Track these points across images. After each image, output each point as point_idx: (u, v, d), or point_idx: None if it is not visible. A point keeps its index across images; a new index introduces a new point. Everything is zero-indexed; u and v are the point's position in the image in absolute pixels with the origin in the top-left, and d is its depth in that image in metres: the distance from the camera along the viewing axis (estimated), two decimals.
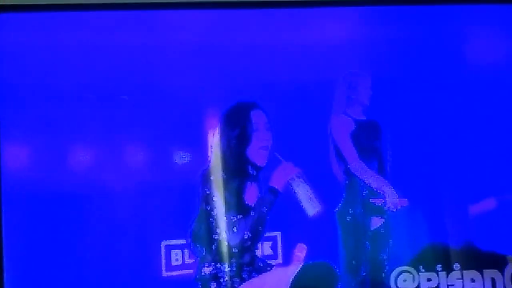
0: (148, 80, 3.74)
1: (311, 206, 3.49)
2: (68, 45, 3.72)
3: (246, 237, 3.47)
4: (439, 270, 3.72)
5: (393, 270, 3.79)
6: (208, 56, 3.78)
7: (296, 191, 3.48)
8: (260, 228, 3.52)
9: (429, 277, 3.71)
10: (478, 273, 3.72)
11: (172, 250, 3.63)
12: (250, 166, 3.57)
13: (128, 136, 3.68)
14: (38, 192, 3.60)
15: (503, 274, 3.72)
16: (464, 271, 3.72)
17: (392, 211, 3.81)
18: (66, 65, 3.70)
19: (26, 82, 3.70)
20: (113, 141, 3.68)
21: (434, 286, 3.71)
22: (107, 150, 3.67)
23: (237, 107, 3.61)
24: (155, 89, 3.73)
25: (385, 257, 3.85)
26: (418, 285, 3.71)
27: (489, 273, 3.72)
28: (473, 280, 3.71)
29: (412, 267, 3.73)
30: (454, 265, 3.73)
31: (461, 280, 3.72)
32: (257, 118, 3.57)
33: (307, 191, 3.48)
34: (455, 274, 3.72)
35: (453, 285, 3.72)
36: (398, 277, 3.71)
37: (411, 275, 3.71)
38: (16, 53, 3.69)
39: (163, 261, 3.59)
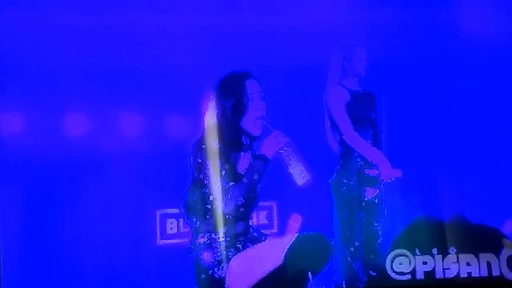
0: (143, 50, 3.74)
1: (300, 175, 3.47)
2: (64, 13, 3.73)
3: (239, 203, 3.46)
4: (435, 253, 3.71)
5: (387, 240, 3.82)
6: (203, 26, 3.79)
7: (285, 161, 3.48)
8: (252, 195, 3.50)
9: (424, 260, 3.71)
10: (474, 257, 3.72)
11: (167, 219, 3.65)
12: (244, 136, 3.56)
13: (123, 105, 3.69)
14: (31, 160, 3.61)
15: (498, 258, 3.72)
16: (460, 255, 3.71)
17: (386, 181, 3.83)
18: (61, 33, 3.70)
19: (21, 51, 3.70)
20: (107, 111, 3.69)
21: (429, 269, 3.71)
22: (102, 120, 3.68)
23: (231, 77, 3.58)
24: (150, 59, 3.74)
25: (379, 228, 3.87)
26: (414, 268, 3.71)
27: (485, 256, 3.71)
28: (468, 264, 3.71)
29: (407, 247, 3.73)
30: (448, 245, 3.73)
31: (457, 264, 3.71)
32: (252, 87, 3.54)
33: (297, 161, 3.47)
34: (451, 257, 3.71)
35: (448, 268, 3.72)
36: (393, 260, 3.71)
37: (407, 259, 3.70)
38: (10, 20, 3.70)
39: (158, 230, 3.62)
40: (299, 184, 3.45)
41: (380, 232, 3.87)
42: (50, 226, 3.62)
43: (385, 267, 3.72)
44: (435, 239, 3.77)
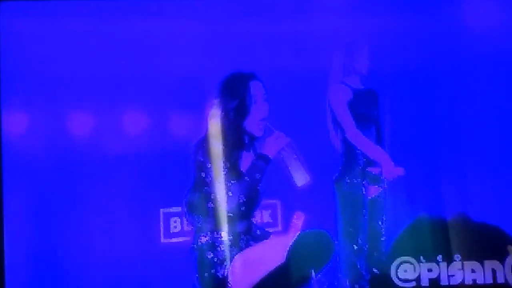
0: (147, 50, 3.76)
1: (300, 176, 3.49)
2: (69, 17, 3.75)
3: (241, 202, 3.48)
4: (440, 260, 3.71)
5: (389, 240, 3.82)
6: (207, 26, 3.79)
7: (286, 161, 3.49)
8: (254, 194, 3.52)
9: (429, 268, 3.71)
10: (479, 264, 3.72)
11: (171, 218, 3.67)
12: (246, 136, 3.58)
13: (127, 105, 3.71)
14: (36, 159, 3.64)
15: (503, 265, 3.71)
16: (465, 262, 3.71)
17: (388, 180, 3.83)
18: (66, 35, 3.72)
19: (28, 52, 3.72)
20: (112, 111, 3.71)
21: (434, 277, 3.72)
22: (106, 119, 3.70)
23: (235, 78, 3.58)
24: (154, 58, 3.75)
25: (382, 226, 3.88)
26: (418, 275, 3.71)
27: (490, 263, 3.71)
28: (473, 271, 3.71)
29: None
30: (453, 253, 3.73)
31: (462, 271, 3.71)
32: (256, 89, 3.55)
33: (297, 162, 3.49)
34: (456, 264, 3.71)
35: (453, 275, 3.72)
36: (398, 267, 3.71)
37: (412, 266, 3.71)
38: (18, 23, 3.72)
39: (162, 228, 3.64)
40: (299, 185, 3.47)
41: (383, 230, 3.88)
42: (55, 224, 3.66)
43: (388, 268, 3.72)
44: (437, 239, 3.76)
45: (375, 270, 3.81)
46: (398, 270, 3.71)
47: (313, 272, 3.59)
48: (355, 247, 3.82)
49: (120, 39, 3.75)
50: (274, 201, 3.75)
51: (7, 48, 3.69)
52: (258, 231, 3.62)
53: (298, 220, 3.62)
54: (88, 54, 3.74)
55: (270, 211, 3.73)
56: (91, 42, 3.75)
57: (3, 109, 3.67)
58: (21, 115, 3.70)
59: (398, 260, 3.73)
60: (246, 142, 3.57)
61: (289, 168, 3.48)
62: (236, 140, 3.52)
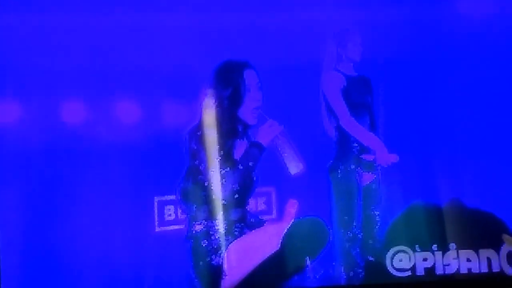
0: (141, 38, 3.74)
1: (293, 164, 3.51)
2: (61, 7, 3.74)
3: (234, 189, 3.48)
4: (435, 249, 3.72)
5: (383, 227, 3.83)
6: (199, 15, 3.78)
7: (279, 149, 3.51)
8: (248, 182, 3.53)
9: (425, 257, 3.72)
10: (474, 252, 3.73)
11: (165, 206, 3.67)
12: (240, 125, 3.58)
13: (119, 93, 3.69)
14: (27, 150, 3.63)
15: (498, 254, 3.72)
16: (460, 251, 3.72)
17: (383, 167, 3.84)
18: (59, 22, 3.71)
19: (21, 40, 3.72)
20: (104, 99, 3.70)
21: (430, 266, 3.72)
22: (98, 108, 3.69)
23: (229, 66, 3.59)
24: (147, 46, 3.74)
25: (376, 213, 3.88)
26: (414, 264, 3.72)
27: (485, 252, 3.72)
28: (468, 260, 3.72)
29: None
30: (448, 241, 3.74)
31: (457, 260, 3.72)
32: (250, 78, 3.56)
33: (290, 150, 3.50)
34: (451, 253, 3.72)
35: (448, 264, 3.73)
36: (394, 257, 3.72)
37: (407, 255, 3.72)
38: (9, 14, 3.72)
39: (156, 216, 3.64)
40: (292, 173, 3.50)
41: (377, 217, 3.88)
42: (48, 213, 3.65)
43: (383, 255, 3.73)
44: (432, 226, 3.77)
45: (369, 258, 3.82)
46: (394, 260, 3.73)
47: (307, 259, 3.60)
48: (350, 234, 3.82)
49: (113, 28, 3.74)
50: (269, 188, 3.74)
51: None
52: (252, 219, 3.64)
53: (292, 208, 3.63)
54: (80, 44, 3.73)
55: (264, 198, 3.73)
56: (83, 32, 3.73)
57: None
58: (14, 105, 3.70)
59: (394, 249, 3.74)
60: (240, 130, 3.58)
61: (283, 156, 3.50)
62: (230, 128, 3.54)
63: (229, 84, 3.53)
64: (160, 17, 3.77)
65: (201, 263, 3.52)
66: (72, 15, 3.74)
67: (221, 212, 3.52)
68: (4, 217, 3.62)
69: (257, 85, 3.57)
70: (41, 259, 3.62)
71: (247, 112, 3.56)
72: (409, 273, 3.72)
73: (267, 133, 3.53)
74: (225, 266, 3.51)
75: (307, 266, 3.62)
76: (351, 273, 3.78)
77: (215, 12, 3.80)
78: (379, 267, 3.76)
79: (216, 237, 3.52)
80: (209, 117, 3.52)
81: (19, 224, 3.60)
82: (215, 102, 3.53)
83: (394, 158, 3.81)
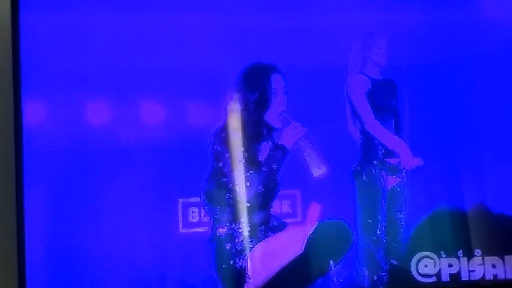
0: (167, 39, 3.75)
1: (316, 167, 3.52)
2: (87, 7, 3.75)
3: (258, 191, 3.49)
4: (460, 256, 3.71)
5: (408, 231, 3.82)
6: (225, 17, 3.78)
7: (302, 152, 3.52)
8: (272, 185, 3.54)
9: (450, 263, 3.71)
10: (500, 259, 3.71)
11: (189, 208, 3.67)
12: (265, 128, 3.60)
13: (145, 94, 3.70)
14: (56, 147, 3.65)
15: None
16: (486, 257, 3.70)
17: (407, 170, 3.82)
18: (83, 23, 3.72)
19: (47, 42, 3.73)
20: (130, 100, 3.70)
21: (455, 272, 3.71)
22: (124, 109, 3.69)
23: (256, 69, 3.60)
24: (173, 48, 3.74)
25: (401, 216, 3.87)
26: (439, 270, 3.72)
27: (511, 259, 3.70)
28: (494, 266, 3.71)
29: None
30: (473, 248, 3.72)
31: (483, 266, 3.71)
32: (277, 82, 3.57)
33: (313, 152, 3.51)
34: (476, 259, 3.71)
35: (474, 270, 3.71)
36: (419, 262, 3.72)
37: (432, 261, 3.71)
38: (36, 13, 3.73)
39: (180, 218, 3.64)
40: (315, 176, 3.52)
41: (402, 221, 3.87)
42: (74, 213, 3.65)
43: (407, 259, 3.73)
44: (457, 231, 3.77)
45: (393, 262, 3.80)
46: (419, 265, 3.72)
47: (331, 262, 3.60)
48: (374, 238, 3.81)
49: (140, 28, 3.74)
50: (294, 191, 3.73)
51: (27, 40, 3.70)
52: (276, 221, 3.64)
53: (315, 212, 3.64)
54: (107, 44, 3.73)
55: (289, 201, 3.72)
56: (110, 32, 3.74)
57: (24, 101, 3.67)
58: (42, 106, 3.71)
59: (418, 255, 3.74)
60: (265, 133, 3.59)
61: (306, 158, 3.51)
62: (255, 131, 3.56)
63: (256, 88, 3.54)
64: (188, 17, 3.77)
65: (224, 265, 3.53)
66: (99, 15, 3.74)
67: (245, 215, 3.53)
68: (31, 216, 3.63)
69: (283, 89, 3.59)
70: (65, 259, 3.63)
71: (272, 116, 3.58)
72: (434, 279, 3.71)
73: (291, 135, 3.54)
74: (248, 269, 3.52)
75: (331, 269, 3.63)
76: (375, 277, 3.77)
77: (241, 15, 3.80)
78: (404, 272, 3.75)
79: (240, 239, 3.53)
80: (234, 119, 3.53)
81: (44, 224, 3.61)
82: (241, 105, 3.55)
83: (418, 161, 3.81)
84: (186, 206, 3.66)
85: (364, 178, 3.82)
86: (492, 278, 3.70)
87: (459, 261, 3.72)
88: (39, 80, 3.69)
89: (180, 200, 3.66)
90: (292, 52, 3.77)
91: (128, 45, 3.72)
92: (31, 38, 3.70)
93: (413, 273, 3.72)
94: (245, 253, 3.53)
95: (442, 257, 3.72)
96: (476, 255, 3.73)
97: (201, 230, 3.65)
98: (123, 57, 3.71)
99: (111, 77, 3.70)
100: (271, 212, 3.64)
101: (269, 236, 3.59)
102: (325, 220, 3.66)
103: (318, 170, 3.53)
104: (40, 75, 3.69)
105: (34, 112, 3.69)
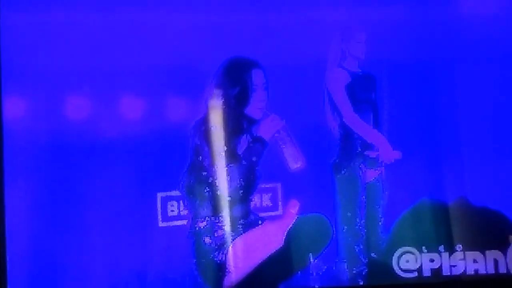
0: (146, 33, 3.75)
1: (293, 160, 3.52)
2: (65, 3, 3.76)
3: (238, 185, 3.49)
4: (442, 251, 3.72)
5: (388, 225, 3.82)
6: (205, 12, 3.79)
7: (279, 144, 3.52)
8: (251, 178, 3.54)
9: (431, 258, 3.72)
10: (481, 254, 3.72)
11: (168, 202, 3.67)
12: (245, 121, 3.59)
13: (123, 88, 3.70)
14: (36, 142, 3.65)
15: (505, 255, 3.71)
16: (467, 252, 3.71)
17: (386, 163, 3.83)
18: (65, 19, 3.73)
19: (27, 37, 3.74)
20: (108, 94, 3.71)
21: (436, 267, 3.72)
22: (102, 103, 3.69)
23: (237, 64, 3.58)
24: (152, 42, 3.74)
25: (380, 210, 3.87)
26: (420, 265, 3.72)
27: (492, 253, 3.71)
28: (475, 261, 3.72)
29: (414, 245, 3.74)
30: (455, 243, 3.73)
31: (464, 261, 3.72)
32: (257, 78, 3.57)
33: (291, 145, 3.52)
34: (458, 254, 3.72)
35: (455, 265, 3.72)
36: (400, 258, 3.72)
37: (414, 256, 3.72)
38: (15, 11, 3.74)
39: (159, 212, 3.64)
40: (292, 168, 3.51)
41: (381, 214, 3.88)
42: (53, 208, 3.65)
43: (387, 253, 3.74)
44: (438, 225, 3.77)
45: (373, 255, 3.81)
46: (400, 260, 3.72)
47: (311, 256, 3.61)
48: (353, 231, 3.81)
49: (119, 24, 3.74)
50: (275, 184, 3.73)
51: (6, 36, 3.71)
52: (255, 215, 3.65)
53: (293, 209, 3.64)
54: (86, 41, 3.74)
55: (270, 194, 3.72)
56: (89, 29, 3.74)
57: (4, 97, 3.68)
58: (21, 102, 3.71)
59: (400, 250, 3.74)
60: (244, 126, 3.59)
61: (283, 151, 3.51)
62: (234, 124, 3.55)
63: (236, 83, 3.54)
64: (168, 13, 3.78)
65: (204, 259, 3.53)
66: (78, 13, 3.75)
67: (225, 208, 3.52)
68: (10, 212, 3.63)
69: (263, 85, 3.59)
70: (44, 254, 3.64)
71: (252, 110, 3.57)
72: (415, 274, 3.72)
73: (269, 128, 3.54)
74: (228, 262, 3.52)
75: (311, 263, 3.63)
76: (354, 271, 3.78)
77: (221, 10, 3.81)
78: (385, 267, 3.76)
79: (220, 233, 3.53)
80: (214, 113, 3.53)
81: (24, 218, 3.61)
82: (221, 99, 3.54)
83: (398, 155, 3.81)
84: (165, 200, 3.66)
85: (343, 171, 3.82)
86: (473, 273, 3.70)
87: (440, 256, 3.73)
88: (18, 76, 3.69)
89: (159, 194, 3.66)
90: (271, 46, 3.77)
91: (107, 40, 3.72)
92: (10, 35, 3.71)
93: (394, 269, 3.73)
94: (225, 247, 3.52)
95: (424, 252, 3.73)
96: (457, 250, 3.73)
97: (180, 224, 3.65)
98: (102, 52, 3.71)
99: (91, 73, 3.70)
100: (251, 206, 3.63)
101: (249, 230, 3.58)
102: (305, 214, 3.66)
103: (295, 163, 3.53)
104: (20, 71, 3.70)
105: (13, 108, 3.69)
